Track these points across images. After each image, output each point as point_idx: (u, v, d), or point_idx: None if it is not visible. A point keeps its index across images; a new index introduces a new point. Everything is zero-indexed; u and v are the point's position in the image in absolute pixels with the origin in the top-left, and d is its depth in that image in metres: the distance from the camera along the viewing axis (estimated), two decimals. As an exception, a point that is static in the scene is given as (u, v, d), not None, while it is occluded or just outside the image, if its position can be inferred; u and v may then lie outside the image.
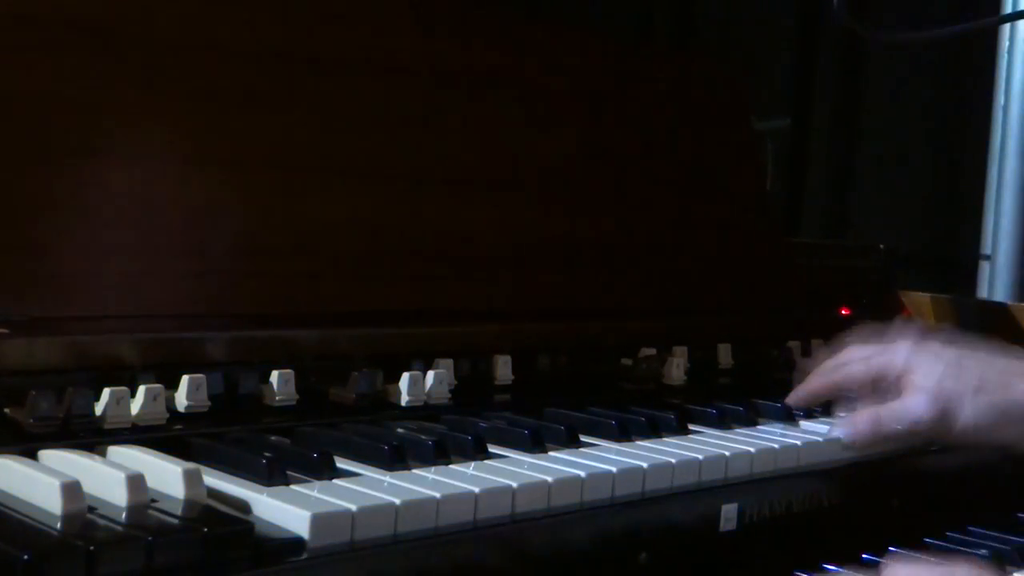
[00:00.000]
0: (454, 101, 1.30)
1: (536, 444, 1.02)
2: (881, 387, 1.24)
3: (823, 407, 1.29)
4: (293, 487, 0.84)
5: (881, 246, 1.90)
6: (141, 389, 0.93)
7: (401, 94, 1.25)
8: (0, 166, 0.97)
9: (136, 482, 0.77)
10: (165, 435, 0.92)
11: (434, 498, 0.85)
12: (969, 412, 1.17)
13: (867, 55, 2.69)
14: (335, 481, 0.87)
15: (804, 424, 1.25)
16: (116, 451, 0.87)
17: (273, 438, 0.97)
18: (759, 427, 1.22)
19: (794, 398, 1.28)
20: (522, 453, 1.01)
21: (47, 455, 0.84)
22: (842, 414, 1.26)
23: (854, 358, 1.26)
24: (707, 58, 1.73)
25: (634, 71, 1.53)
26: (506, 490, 0.90)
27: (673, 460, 1.03)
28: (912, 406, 1.18)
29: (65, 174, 1.01)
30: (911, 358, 1.20)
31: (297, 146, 1.16)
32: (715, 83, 1.64)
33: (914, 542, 1.19)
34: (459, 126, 1.30)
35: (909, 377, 1.19)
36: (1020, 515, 1.35)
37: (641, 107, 1.51)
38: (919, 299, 1.82)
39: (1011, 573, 1.08)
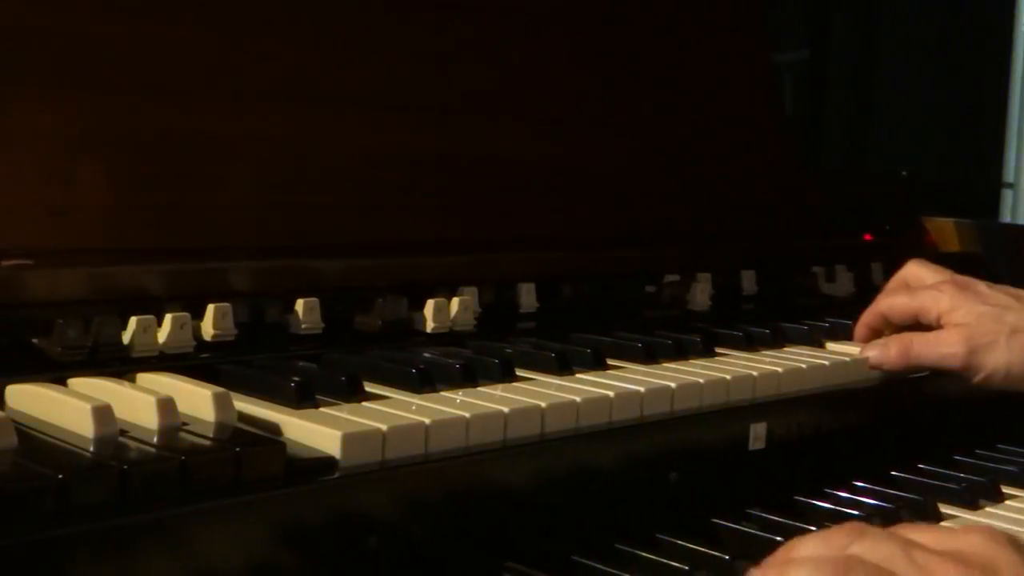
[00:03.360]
0: (473, 31, 1.29)
1: (563, 366, 1.02)
2: (922, 323, 1.23)
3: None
4: (322, 409, 0.84)
5: (904, 172, 1.89)
6: (168, 317, 0.92)
7: (418, 24, 1.24)
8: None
9: (167, 405, 0.77)
10: (193, 363, 0.92)
11: (464, 418, 0.85)
12: (1001, 356, 1.16)
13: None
14: (364, 403, 0.87)
15: (831, 346, 1.25)
16: (145, 377, 0.87)
17: (300, 364, 0.97)
18: (785, 349, 1.21)
19: (856, 334, 1.27)
20: (549, 375, 1.01)
21: (77, 382, 0.84)
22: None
23: (900, 294, 1.26)
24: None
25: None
26: (535, 410, 0.90)
27: (701, 380, 1.03)
28: (944, 342, 1.18)
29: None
30: (956, 298, 1.20)
31: (318, 76, 1.15)
32: (729, 6, 1.62)
33: (944, 460, 1.19)
34: (477, 54, 1.28)
35: (950, 316, 1.19)
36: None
37: (655, 30, 1.49)
38: (942, 224, 1.81)
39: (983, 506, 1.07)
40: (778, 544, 0.89)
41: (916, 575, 0.66)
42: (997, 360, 1.16)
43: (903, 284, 1.30)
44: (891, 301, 1.26)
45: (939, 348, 1.18)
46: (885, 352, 1.19)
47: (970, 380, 1.19)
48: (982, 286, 1.23)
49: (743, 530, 0.95)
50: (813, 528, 0.93)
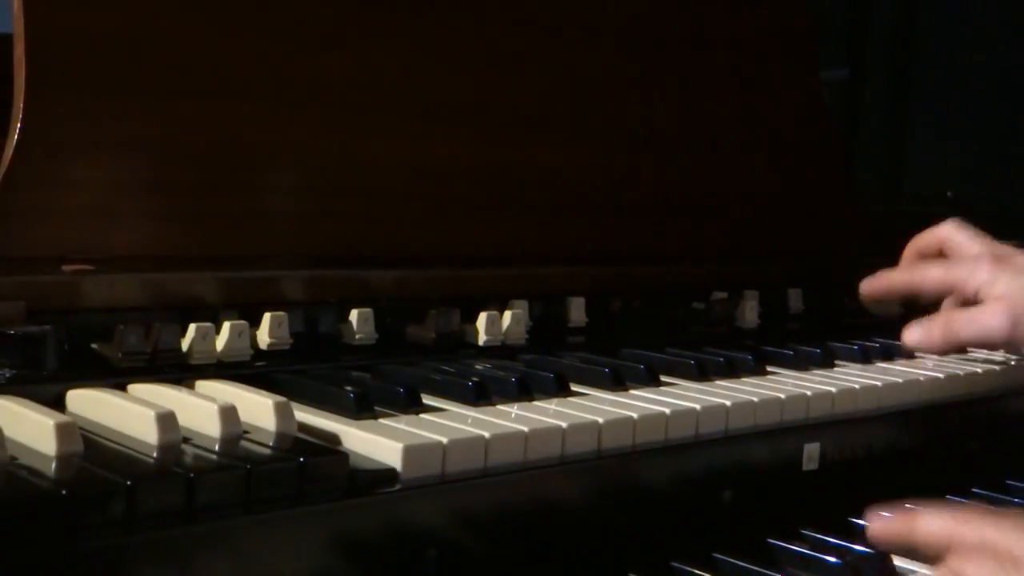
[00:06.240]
0: (524, 45, 1.28)
1: (617, 382, 1.01)
2: (956, 297, 1.21)
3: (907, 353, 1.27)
4: (381, 421, 0.84)
5: (949, 193, 1.88)
6: (226, 325, 0.92)
7: (470, 38, 1.24)
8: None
9: (229, 413, 0.77)
10: (249, 371, 0.92)
11: (522, 432, 0.84)
12: None
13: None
14: (422, 415, 0.86)
15: (882, 366, 1.24)
16: (204, 385, 0.87)
17: (355, 374, 0.96)
18: (836, 369, 1.20)
19: (868, 285, 1.26)
20: (603, 391, 1.00)
21: (136, 388, 0.84)
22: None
23: (934, 266, 1.24)
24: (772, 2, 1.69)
25: (697, 13, 1.50)
26: (592, 426, 0.89)
27: (755, 399, 1.02)
28: (986, 317, 1.16)
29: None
30: (994, 271, 1.17)
31: (372, 88, 1.15)
32: (779, 27, 1.61)
33: (997, 486, 1.18)
34: (529, 69, 1.28)
35: (990, 289, 1.16)
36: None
37: (706, 52, 1.48)
38: (986, 246, 1.79)
39: None
40: (832, 566, 0.89)
41: None
42: None
43: (937, 246, 1.27)
44: (925, 273, 1.23)
45: (981, 323, 1.15)
46: (928, 333, 1.17)
47: (1018, 351, 1.16)
48: (1021, 257, 1.20)
49: (797, 550, 0.94)
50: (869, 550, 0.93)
